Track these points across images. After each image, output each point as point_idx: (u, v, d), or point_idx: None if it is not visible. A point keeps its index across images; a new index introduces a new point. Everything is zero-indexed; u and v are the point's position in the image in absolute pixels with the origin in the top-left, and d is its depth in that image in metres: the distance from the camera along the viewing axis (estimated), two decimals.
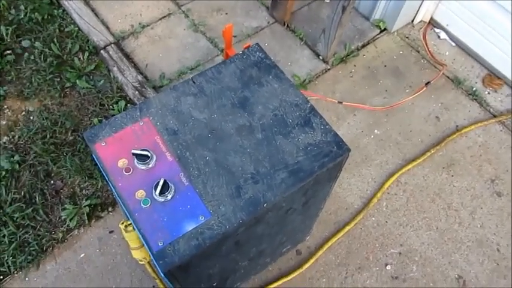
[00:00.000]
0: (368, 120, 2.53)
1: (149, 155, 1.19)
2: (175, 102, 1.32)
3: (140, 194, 1.18)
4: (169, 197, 1.16)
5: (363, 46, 2.80)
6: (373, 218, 2.27)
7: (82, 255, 2.11)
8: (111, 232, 2.17)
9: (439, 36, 2.85)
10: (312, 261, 2.12)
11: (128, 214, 1.18)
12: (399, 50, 2.80)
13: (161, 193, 1.14)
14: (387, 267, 2.15)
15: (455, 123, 2.55)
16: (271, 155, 1.24)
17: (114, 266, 2.10)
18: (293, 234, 1.81)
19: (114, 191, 1.21)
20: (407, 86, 2.67)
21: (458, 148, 2.47)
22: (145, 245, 1.14)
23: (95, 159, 1.25)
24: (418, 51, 2.80)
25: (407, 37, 2.86)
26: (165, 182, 1.15)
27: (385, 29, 2.85)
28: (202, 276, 1.39)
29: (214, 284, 1.59)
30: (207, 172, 1.21)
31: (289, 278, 2.08)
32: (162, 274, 1.14)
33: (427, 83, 2.61)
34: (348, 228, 2.22)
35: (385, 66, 2.73)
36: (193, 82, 1.36)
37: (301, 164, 1.23)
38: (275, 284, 2.06)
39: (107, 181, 1.29)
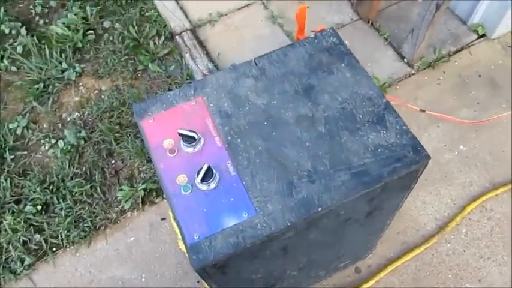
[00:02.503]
0: (453, 134, 2.24)
1: (196, 137, 1.08)
2: (233, 84, 1.19)
3: (182, 178, 1.06)
4: (212, 186, 1.04)
5: (456, 52, 2.50)
6: (449, 245, 1.99)
7: (132, 239, 2.07)
8: (163, 219, 2.11)
9: None
10: (371, 282, 1.90)
11: (167, 198, 1.07)
12: (498, 59, 2.47)
13: (203, 180, 1.02)
14: None
15: None
16: (333, 153, 1.07)
17: (162, 254, 2.03)
18: (352, 249, 1.61)
19: (156, 169, 1.11)
20: (503, 101, 2.33)
21: None
22: (180, 235, 1.02)
23: (142, 136, 1.16)
24: None
25: (509, 46, 2.51)
26: (209, 168, 1.02)
27: (483, 35, 2.53)
28: (242, 280, 1.25)
29: None
30: (258, 163, 1.07)
31: None
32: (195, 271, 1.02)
33: None
34: (417, 251, 1.96)
35: (480, 76, 2.41)
36: (256, 64, 1.23)
37: (368, 166, 1.05)
38: None
39: (151, 160, 1.20)
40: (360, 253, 1.80)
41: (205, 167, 1.02)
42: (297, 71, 1.20)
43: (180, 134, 1.07)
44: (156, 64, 2.50)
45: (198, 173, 1.03)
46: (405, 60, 2.43)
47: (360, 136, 1.09)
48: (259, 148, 1.09)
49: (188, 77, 2.43)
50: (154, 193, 2.16)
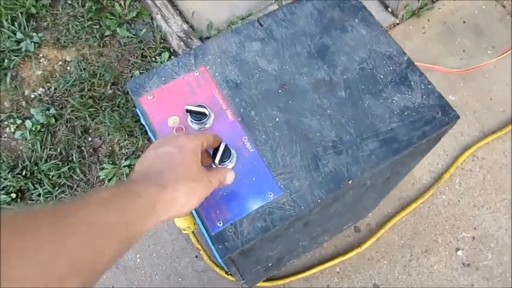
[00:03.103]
0: (441, 84, 2.21)
1: (207, 112, 0.96)
2: (237, 49, 1.07)
3: None
4: (230, 166, 0.93)
5: None
6: (444, 196, 2.00)
7: None
8: None
9: None
10: (372, 240, 1.89)
11: None
12: (481, 4, 2.41)
13: (221, 161, 0.91)
14: (458, 253, 1.89)
15: None
16: (357, 119, 0.98)
17: (154, 232, 1.93)
18: (359, 212, 1.57)
19: None
20: (489, 47, 2.30)
21: None
22: (200, 224, 0.93)
23: (140, 115, 1.03)
24: (504, 6, 2.41)
25: None
26: (226, 147, 0.91)
27: None
28: (260, 259, 1.18)
29: (270, 265, 1.39)
30: (277, 137, 0.97)
31: (346, 257, 1.86)
32: (219, 260, 0.93)
33: None
34: (414, 205, 1.96)
35: (464, 22, 2.36)
36: (260, 24, 1.10)
37: (396, 132, 0.97)
38: (331, 263, 1.85)
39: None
40: (363, 214, 1.77)
41: (222, 147, 0.91)
42: (307, 31, 1.08)
43: (188, 111, 0.95)
44: (125, 28, 2.29)
45: (215, 154, 0.91)
46: (389, 9, 2.33)
47: (384, 99, 1.00)
48: (277, 120, 0.99)
49: (162, 41, 2.24)
50: None
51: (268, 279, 1.82)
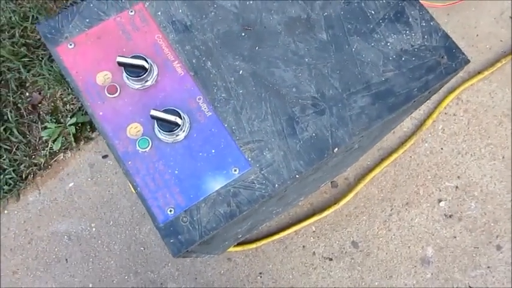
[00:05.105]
0: None
1: (147, 65, 0.72)
2: None
3: (134, 129, 0.73)
4: (181, 135, 0.72)
5: None
6: (426, 144, 1.85)
7: (71, 185, 1.73)
8: (104, 157, 1.76)
9: None
10: (350, 195, 1.74)
11: (117, 160, 0.74)
12: None
13: (167, 130, 0.70)
14: (440, 204, 1.78)
15: None
16: (343, 68, 0.77)
17: (111, 197, 1.72)
18: (339, 169, 1.40)
19: (93, 120, 0.76)
20: None
21: None
22: (146, 211, 0.72)
23: (61, 69, 0.78)
24: None
25: None
26: (173, 111, 0.69)
27: None
28: (227, 238, 1.00)
29: (240, 237, 1.22)
30: (241, 95, 0.75)
31: (323, 215, 1.72)
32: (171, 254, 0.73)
33: None
34: (395, 156, 1.80)
35: None
36: None
37: (392, 83, 0.76)
38: (307, 222, 1.70)
39: (82, 104, 0.83)
40: (342, 171, 1.61)
41: (167, 110, 0.69)
42: None
43: (121, 64, 0.71)
44: None
45: (159, 119, 0.69)
46: None
47: (376, 41, 0.79)
48: (240, 72, 0.76)
49: None
50: (89, 127, 1.77)
51: (239, 244, 1.67)
